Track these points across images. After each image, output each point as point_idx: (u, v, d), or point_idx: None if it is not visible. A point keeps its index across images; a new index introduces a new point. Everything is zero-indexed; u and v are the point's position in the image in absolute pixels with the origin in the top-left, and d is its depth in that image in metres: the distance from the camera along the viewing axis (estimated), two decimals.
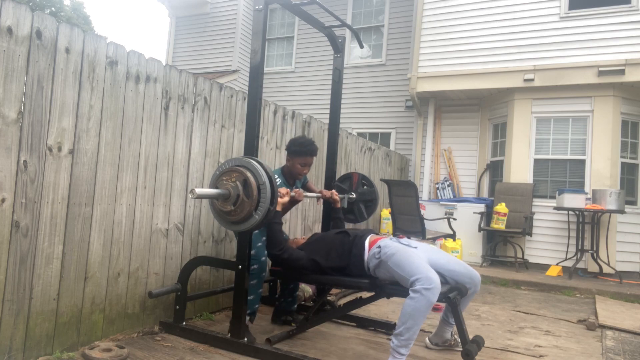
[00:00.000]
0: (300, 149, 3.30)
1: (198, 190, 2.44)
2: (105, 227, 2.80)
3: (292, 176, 3.43)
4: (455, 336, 3.13)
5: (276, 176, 3.28)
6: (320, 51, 9.63)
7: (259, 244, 3.17)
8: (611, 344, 3.54)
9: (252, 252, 3.11)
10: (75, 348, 2.64)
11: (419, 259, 2.68)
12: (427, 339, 3.18)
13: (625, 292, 5.37)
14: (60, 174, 2.52)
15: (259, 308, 3.31)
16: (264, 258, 3.19)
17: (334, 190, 3.58)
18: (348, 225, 3.71)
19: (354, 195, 3.81)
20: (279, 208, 2.95)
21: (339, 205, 3.58)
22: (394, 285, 2.81)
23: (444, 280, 2.81)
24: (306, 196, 3.34)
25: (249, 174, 2.58)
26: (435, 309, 4.18)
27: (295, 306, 3.59)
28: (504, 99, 7.40)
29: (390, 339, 3.32)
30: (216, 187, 2.67)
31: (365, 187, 3.91)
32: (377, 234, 3.08)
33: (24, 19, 2.30)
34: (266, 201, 2.57)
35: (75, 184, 2.60)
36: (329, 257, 2.93)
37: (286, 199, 2.99)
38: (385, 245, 2.81)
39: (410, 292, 2.54)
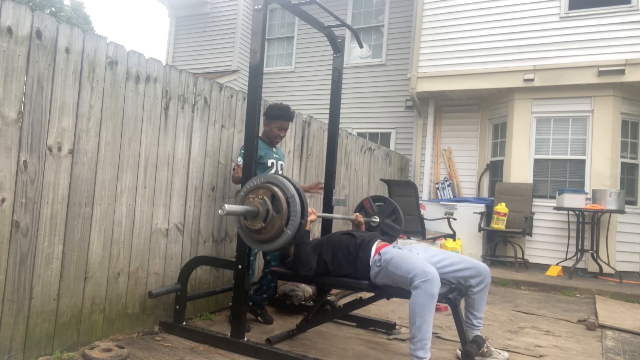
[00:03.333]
0: (278, 113, 3.48)
1: (227, 207, 2.37)
2: (105, 227, 2.80)
3: (270, 140, 3.57)
4: (488, 343, 2.96)
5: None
6: (320, 51, 9.62)
7: None
8: (611, 344, 3.53)
9: None
10: (75, 348, 2.64)
11: (415, 257, 2.65)
12: (457, 350, 3.05)
13: (625, 292, 5.37)
14: (60, 174, 2.52)
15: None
16: (251, 258, 3.20)
17: (357, 214, 3.61)
18: None
19: (377, 219, 3.78)
20: (307, 227, 2.81)
21: (363, 227, 3.55)
22: (395, 286, 2.80)
23: (449, 283, 2.79)
24: (334, 217, 3.53)
25: (276, 189, 2.52)
26: (435, 309, 4.18)
27: (267, 302, 3.60)
28: (504, 99, 7.40)
29: (390, 339, 3.33)
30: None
31: (379, 204, 3.86)
32: (383, 239, 3.03)
33: (24, 19, 2.30)
34: (297, 215, 2.48)
35: (75, 184, 2.60)
36: (335, 260, 2.89)
37: (313, 217, 2.89)
38: (385, 252, 2.78)
39: (411, 291, 2.51)
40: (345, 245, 2.92)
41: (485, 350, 2.93)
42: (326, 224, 3.81)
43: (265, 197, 2.53)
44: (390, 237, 3.75)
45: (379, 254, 2.79)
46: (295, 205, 2.49)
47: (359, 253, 2.85)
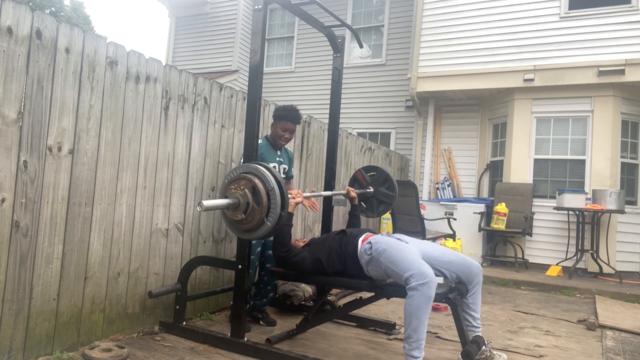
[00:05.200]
0: (283, 114, 3.44)
1: (206, 203, 2.35)
2: (105, 227, 2.80)
3: (274, 141, 3.53)
4: (490, 346, 2.88)
5: (260, 141, 3.37)
6: (320, 51, 9.62)
7: None
8: (611, 344, 3.53)
9: None
10: (75, 348, 2.64)
11: (411, 253, 2.63)
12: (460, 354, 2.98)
13: (625, 292, 5.37)
14: (60, 174, 2.52)
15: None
16: (252, 257, 3.19)
17: (349, 187, 3.59)
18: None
19: (372, 189, 3.76)
20: (291, 210, 2.88)
21: (356, 202, 3.56)
22: (395, 286, 2.80)
23: (441, 274, 2.73)
24: (322, 195, 3.43)
25: (257, 181, 2.54)
26: (435, 309, 4.18)
27: (266, 307, 3.57)
28: (504, 99, 7.39)
29: (390, 339, 3.33)
30: (225, 197, 2.62)
31: (372, 174, 3.84)
32: (374, 232, 3.03)
33: (24, 18, 2.30)
34: (276, 207, 2.52)
35: (75, 184, 2.60)
36: (330, 259, 2.90)
37: (299, 199, 2.92)
38: (376, 241, 2.76)
39: (407, 290, 2.50)
40: (339, 243, 2.93)
41: (488, 354, 2.85)
42: (326, 223, 3.81)
43: (246, 189, 2.56)
44: (386, 204, 3.75)
45: (369, 243, 2.79)
46: (275, 198, 2.53)
47: (347, 248, 2.87)
